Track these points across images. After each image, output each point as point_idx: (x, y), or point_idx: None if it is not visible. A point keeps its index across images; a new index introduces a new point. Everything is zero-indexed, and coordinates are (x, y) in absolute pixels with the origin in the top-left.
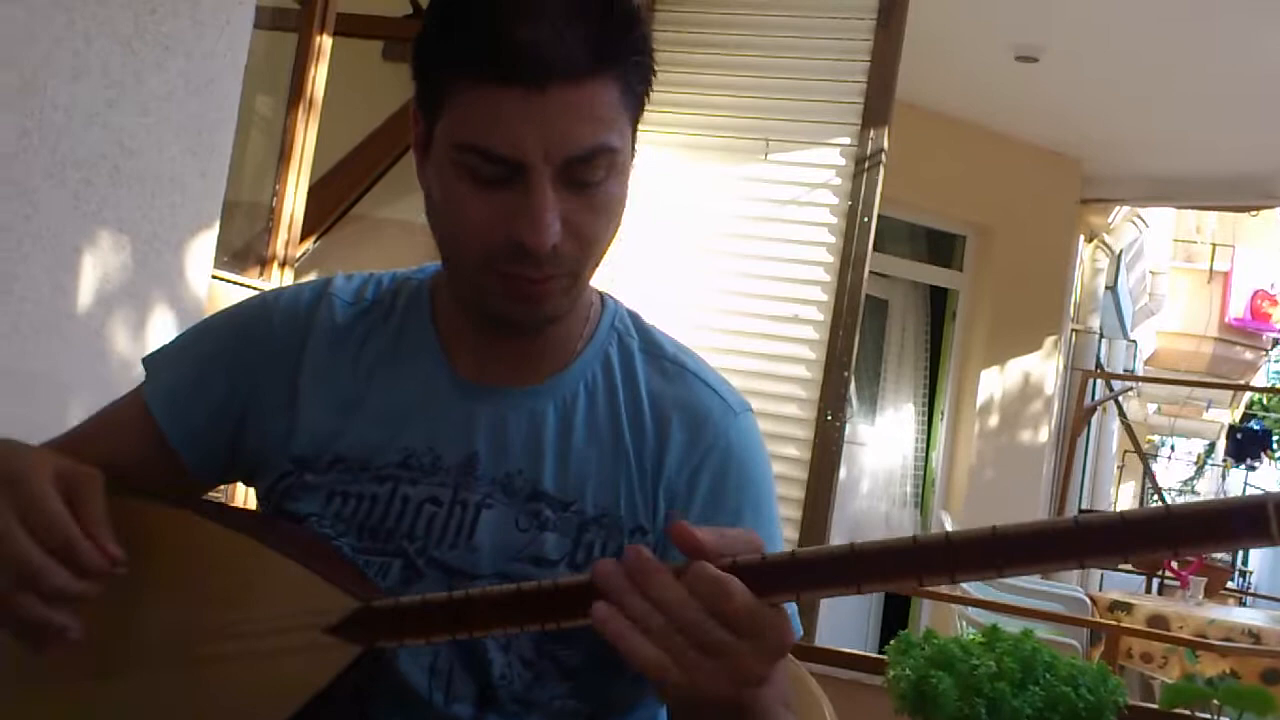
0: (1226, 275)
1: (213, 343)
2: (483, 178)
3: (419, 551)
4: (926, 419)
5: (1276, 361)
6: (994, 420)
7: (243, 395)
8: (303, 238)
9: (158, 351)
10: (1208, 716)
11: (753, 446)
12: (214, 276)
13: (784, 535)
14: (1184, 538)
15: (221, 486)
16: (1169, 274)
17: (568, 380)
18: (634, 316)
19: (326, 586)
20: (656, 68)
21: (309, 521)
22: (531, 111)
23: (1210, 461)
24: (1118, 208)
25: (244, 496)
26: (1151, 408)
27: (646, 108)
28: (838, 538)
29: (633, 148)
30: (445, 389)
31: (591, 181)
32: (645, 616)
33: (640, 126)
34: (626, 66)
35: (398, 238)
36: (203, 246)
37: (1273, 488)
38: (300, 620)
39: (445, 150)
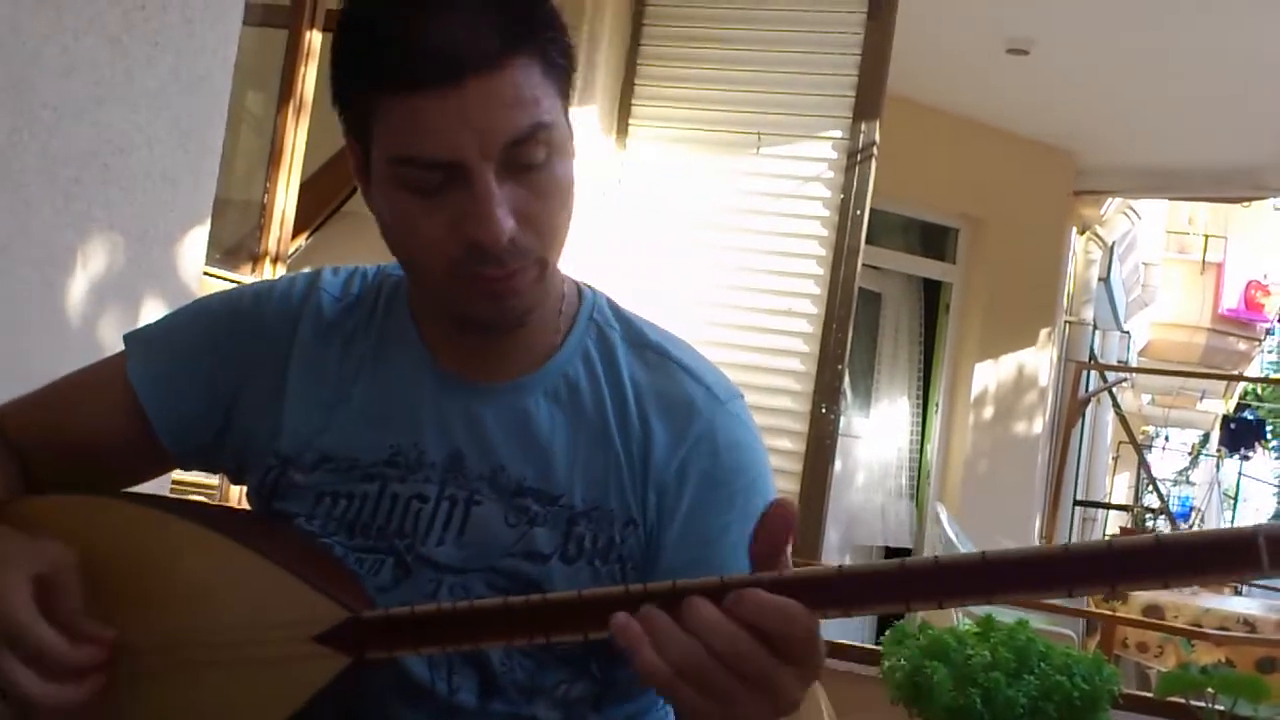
0: (1219, 266)
1: (205, 331)
2: (425, 187)
3: (408, 548)
4: (921, 411)
5: (1270, 352)
6: (988, 412)
7: (233, 386)
8: (295, 234)
9: (142, 330)
10: (1203, 705)
11: (742, 433)
12: (206, 273)
13: None
14: (1173, 568)
15: (215, 485)
16: (1162, 265)
17: (548, 374)
18: (614, 306)
19: (316, 595)
20: (641, 62)
21: (297, 522)
22: (454, 109)
23: (1205, 452)
24: (1110, 199)
25: (238, 495)
26: (1146, 399)
27: (636, 102)
28: (833, 531)
29: (569, 126)
30: (429, 385)
31: (534, 164)
32: (686, 652)
33: (632, 121)
34: (541, 43)
35: None
36: (194, 243)
37: (1267, 477)
38: (289, 629)
39: (383, 169)
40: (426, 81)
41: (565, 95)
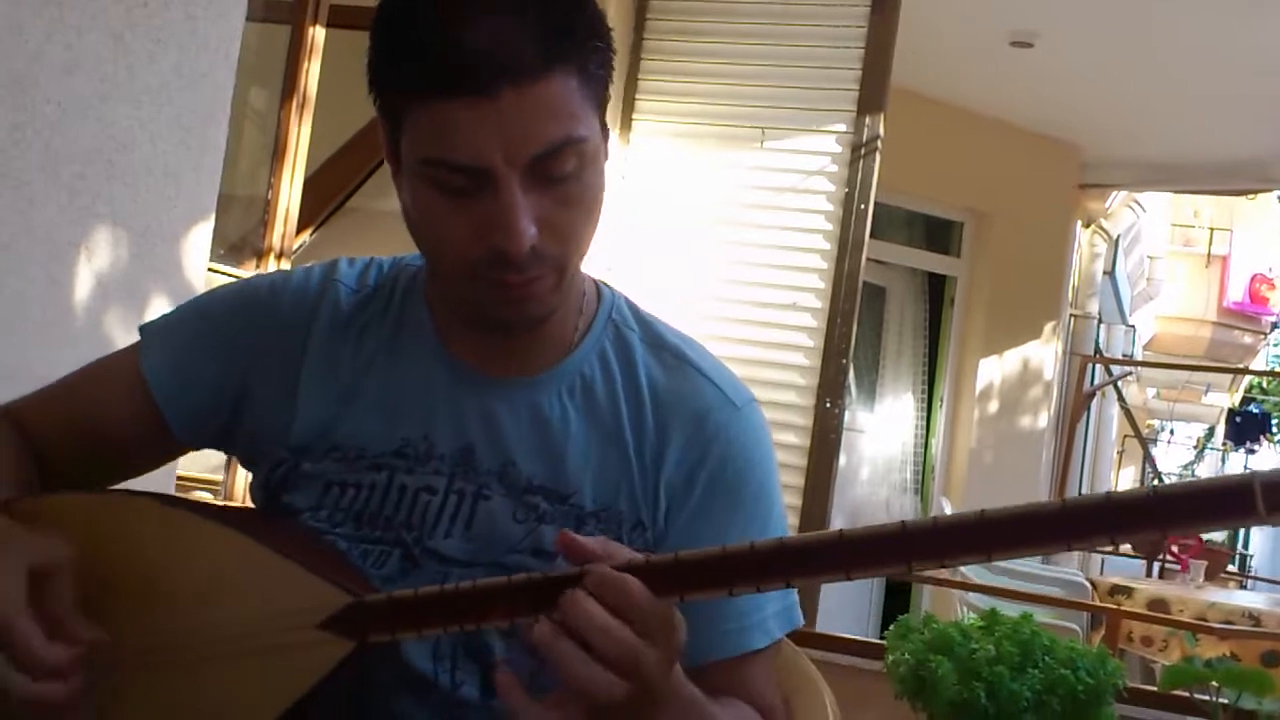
0: (1224, 259)
1: (219, 321)
2: (451, 188)
3: (415, 541)
4: (926, 405)
5: (1275, 345)
6: (993, 406)
7: (245, 377)
8: (299, 230)
9: (157, 321)
10: (1207, 698)
11: (754, 439)
12: (210, 269)
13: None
14: (1171, 518)
15: (219, 481)
16: (1167, 258)
17: (564, 372)
18: (633, 306)
19: (318, 582)
20: (644, 56)
21: (306, 514)
22: (486, 117)
23: (1210, 445)
24: (1115, 193)
25: (243, 489)
26: (1151, 392)
27: (640, 96)
28: (838, 524)
29: (603, 134)
30: (443, 379)
31: (563, 176)
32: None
33: (636, 115)
34: (582, 54)
35: (394, 229)
36: (199, 239)
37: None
38: (293, 617)
39: (412, 165)
40: (462, 87)
41: (602, 105)
